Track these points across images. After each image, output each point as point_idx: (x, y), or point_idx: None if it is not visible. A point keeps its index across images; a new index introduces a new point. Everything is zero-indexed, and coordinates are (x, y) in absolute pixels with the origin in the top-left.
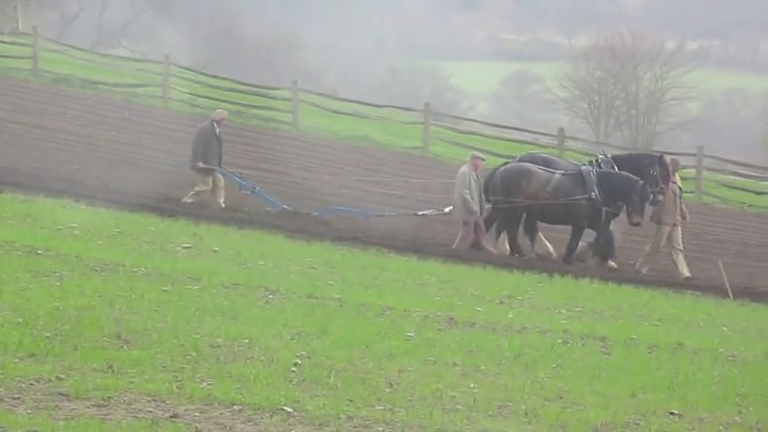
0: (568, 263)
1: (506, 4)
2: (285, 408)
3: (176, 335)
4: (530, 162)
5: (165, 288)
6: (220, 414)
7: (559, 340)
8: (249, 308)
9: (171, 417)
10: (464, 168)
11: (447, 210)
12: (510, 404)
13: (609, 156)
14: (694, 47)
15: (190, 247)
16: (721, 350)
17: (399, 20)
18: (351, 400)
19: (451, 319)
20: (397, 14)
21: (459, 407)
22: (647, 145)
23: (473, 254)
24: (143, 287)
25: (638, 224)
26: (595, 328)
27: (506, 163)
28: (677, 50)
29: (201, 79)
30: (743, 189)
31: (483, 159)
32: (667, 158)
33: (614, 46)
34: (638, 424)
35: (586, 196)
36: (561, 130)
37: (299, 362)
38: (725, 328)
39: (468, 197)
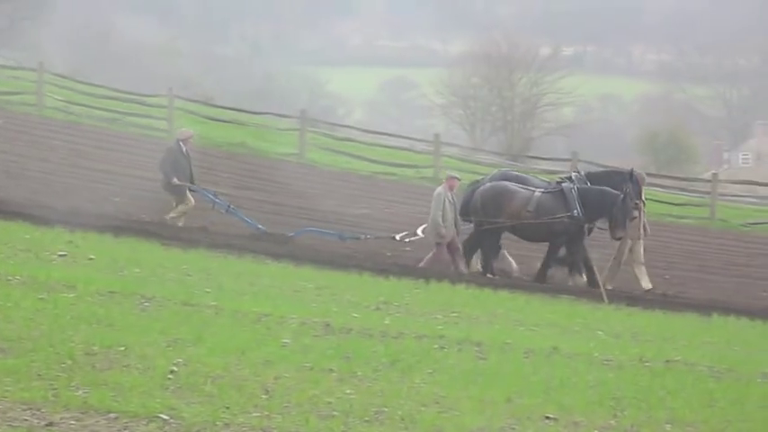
0: (541, 281)
1: (382, 10)
2: (161, 415)
3: (52, 343)
4: (503, 179)
5: (40, 296)
6: (96, 422)
7: (435, 346)
8: (125, 315)
9: (47, 425)
10: (439, 189)
11: (420, 230)
12: (386, 410)
13: (582, 173)
14: (569, 52)
15: (65, 255)
16: (596, 354)
17: (275, 26)
18: (227, 407)
19: (328, 325)
20: (274, 20)
21: (335, 413)
22: (523, 150)
23: (348, 260)
24: (18, 295)
25: (620, 238)
26: (471, 333)
27: (477, 181)
28: (552, 56)
29: (76, 86)
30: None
31: (459, 179)
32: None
33: (490, 52)
34: (513, 429)
35: (569, 214)
36: (437, 135)
37: (175, 369)
38: (600, 333)
39: (440, 220)
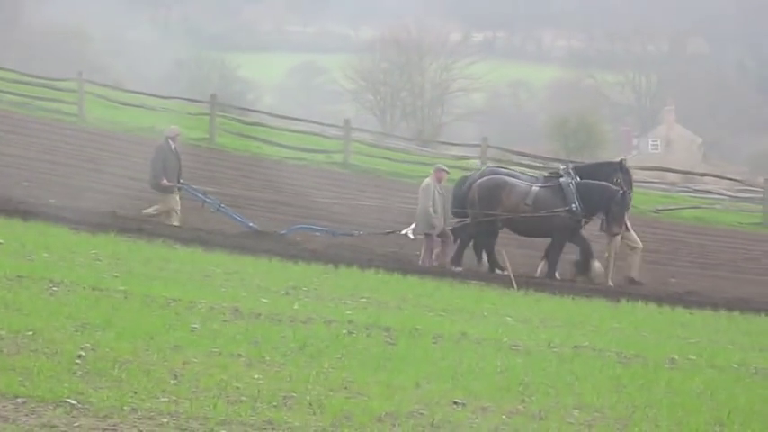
0: (551, 277)
1: None
2: (69, 400)
3: None
4: (492, 174)
5: None
6: (3, 407)
7: (344, 331)
8: (33, 300)
9: None
10: (428, 180)
11: (412, 227)
12: (294, 395)
13: (570, 167)
14: (479, 38)
15: None
16: (505, 340)
17: (186, 10)
18: (135, 392)
19: (237, 310)
20: (184, 5)
21: (243, 398)
22: (433, 136)
23: (259, 244)
24: None
25: (617, 234)
26: (380, 318)
27: (466, 177)
28: (462, 42)
29: None
30: None
31: (447, 172)
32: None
33: (400, 38)
34: (422, 413)
35: (567, 208)
36: (347, 121)
37: (83, 354)
38: (509, 318)
39: (432, 211)
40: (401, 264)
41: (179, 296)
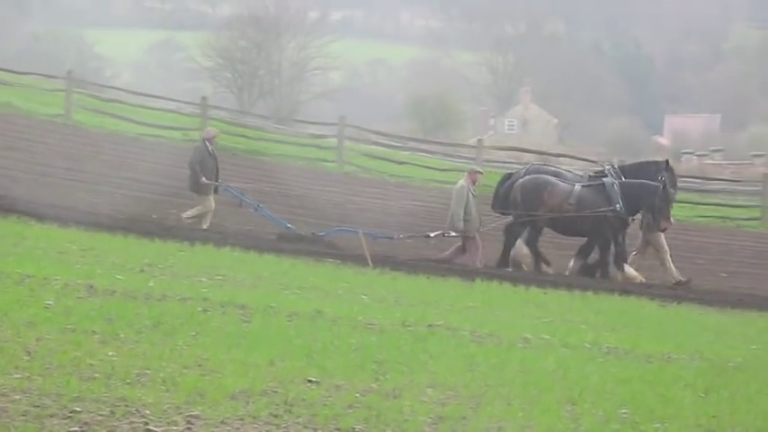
0: (607, 278)
1: None
2: None
3: None
4: (537, 173)
5: None
6: None
7: (199, 308)
8: None
9: None
10: (461, 182)
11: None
12: (149, 372)
13: (616, 166)
14: (338, 17)
15: None
16: (360, 318)
17: None
18: None
19: (91, 287)
20: None
21: (97, 375)
22: (290, 114)
23: (114, 222)
24: None
25: (665, 229)
26: (236, 296)
27: (511, 174)
28: (320, 20)
29: None
30: (384, 159)
31: (481, 173)
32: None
33: (258, 15)
34: (276, 391)
35: (611, 208)
36: (204, 98)
37: None
38: (364, 297)
39: (461, 214)
40: (257, 242)
41: (33, 272)
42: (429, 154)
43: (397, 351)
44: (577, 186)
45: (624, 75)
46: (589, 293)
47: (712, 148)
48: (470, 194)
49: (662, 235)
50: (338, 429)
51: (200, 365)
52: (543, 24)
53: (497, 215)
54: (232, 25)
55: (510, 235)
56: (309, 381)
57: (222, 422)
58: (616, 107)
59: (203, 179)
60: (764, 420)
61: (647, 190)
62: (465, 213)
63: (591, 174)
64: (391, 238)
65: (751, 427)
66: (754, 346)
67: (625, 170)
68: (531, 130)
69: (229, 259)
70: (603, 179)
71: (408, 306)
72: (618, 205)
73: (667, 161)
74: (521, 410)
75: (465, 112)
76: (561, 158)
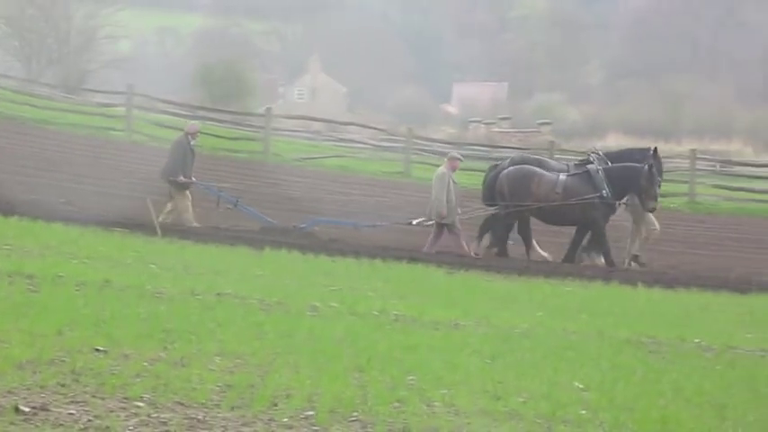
0: (611, 265)
1: None
2: None
3: None
4: (522, 163)
5: None
6: None
7: None
8: None
9: None
10: (442, 169)
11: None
12: None
13: (601, 153)
14: None
15: None
16: (148, 287)
17: None
18: None
19: None
20: None
21: None
22: (79, 83)
23: None
24: None
25: (653, 209)
26: (23, 265)
27: (496, 165)
28: None
29: None
30: (172, 127)
31: (461, 160)
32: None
33: None
34: (63, 360)
35: (598, 194)
36: None
37: None
38: (153, 266)
39: (444, 200)
40: (43, 212)
41: None
42: (218, 123)
43: (186, 320)
44: (562, 176)
45: (412, 43)
46: (377, 261)
47: (500, 117)
48: (451, 181)
49: (651, 214)
50: (126, 398)
51: None
52: None
53: (483, 207)
54: None
55: (500, 227)
56: (97, 350)
57: (9, 392)
58: (404, 76)
59: (181, 177)
60: (549, 386)
61: (632, 172)
62: (447, 201)
63: (576, 162)
64: (375, 226)
65: (536, 392)
66: (539, 313)
67: (611, 157)
68: (321, 99)
69: (16, 228)
70: (588, 166)
71: (197, 275)
72: (604, 191)
73: (655, 148)
74: (308, 378)
75: (254, 80)
76: (350, 127)
